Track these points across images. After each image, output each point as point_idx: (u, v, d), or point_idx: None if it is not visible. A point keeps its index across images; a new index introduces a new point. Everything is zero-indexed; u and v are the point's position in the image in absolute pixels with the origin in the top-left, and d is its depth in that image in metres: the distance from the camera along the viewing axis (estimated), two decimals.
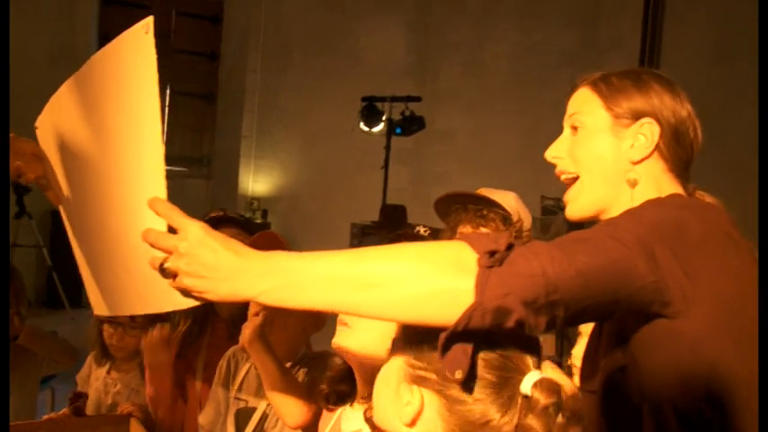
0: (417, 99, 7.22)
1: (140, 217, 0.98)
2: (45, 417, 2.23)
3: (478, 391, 0.90)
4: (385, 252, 0.86)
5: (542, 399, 0.87)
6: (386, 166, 7.25)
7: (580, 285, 0.89)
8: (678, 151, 1.17)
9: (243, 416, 1.82)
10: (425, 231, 2.79)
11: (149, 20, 0.98)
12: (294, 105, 8.36)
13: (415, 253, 0.86)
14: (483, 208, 1.81)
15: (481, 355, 0.89)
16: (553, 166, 1.25)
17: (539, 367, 0.92)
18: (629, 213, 1.05)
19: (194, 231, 0.91)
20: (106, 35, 7.90)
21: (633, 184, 1.16)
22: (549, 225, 6.94)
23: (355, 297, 0.85)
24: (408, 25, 8.70)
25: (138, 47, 0.98)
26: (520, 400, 0.89)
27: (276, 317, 1.69)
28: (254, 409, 1.80)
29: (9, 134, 1.72)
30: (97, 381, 2.41)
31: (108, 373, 2.38)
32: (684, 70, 5.99)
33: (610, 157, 1.18)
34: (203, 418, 1.92)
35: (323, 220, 8.04)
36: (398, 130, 7.27)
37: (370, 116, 7.28)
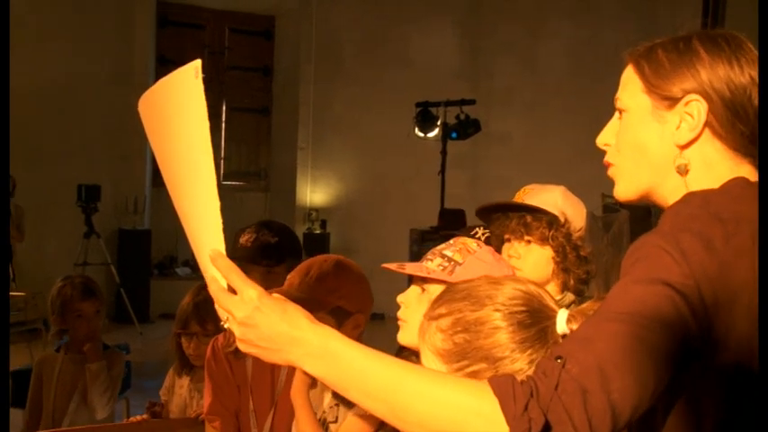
0: (472, 102, 7.15)
1: (199, 227, 1.04)
2: (124, 420, 2.30)
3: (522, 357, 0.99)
4: (428, 392, 0.87)
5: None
6: (443, 171, 7.20)
7: (632, 409, 0.84)
8: (738, 126, 1.01)
9: None
10: (483, 234, 2.74)
11: (198, 64, 0.99)
12: (348, 114, 8.40)
13: (452, 410, 0.85)
14: (525, 215, 1.77)
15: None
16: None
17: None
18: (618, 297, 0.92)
19: (251, 298, 0.94)
20: (162, 56, 8.13)
21: (684, 170, 1.04)
22: (611, 223, 6.77)
23: (388, 418, 0.90)
24: (460, 26, 8.63)
25: (188, 90, 1.00)
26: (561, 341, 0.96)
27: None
28: None
29: (9, 134, 1.73)
30: (182, 389, 2.50)
31: (191, 381, 2.47)
32: None
33: (652, 145, 1.06)
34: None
35: (382, 228, 8.04)
36: (454, 135, 7.23)
37: (425, 121, 7.26)
